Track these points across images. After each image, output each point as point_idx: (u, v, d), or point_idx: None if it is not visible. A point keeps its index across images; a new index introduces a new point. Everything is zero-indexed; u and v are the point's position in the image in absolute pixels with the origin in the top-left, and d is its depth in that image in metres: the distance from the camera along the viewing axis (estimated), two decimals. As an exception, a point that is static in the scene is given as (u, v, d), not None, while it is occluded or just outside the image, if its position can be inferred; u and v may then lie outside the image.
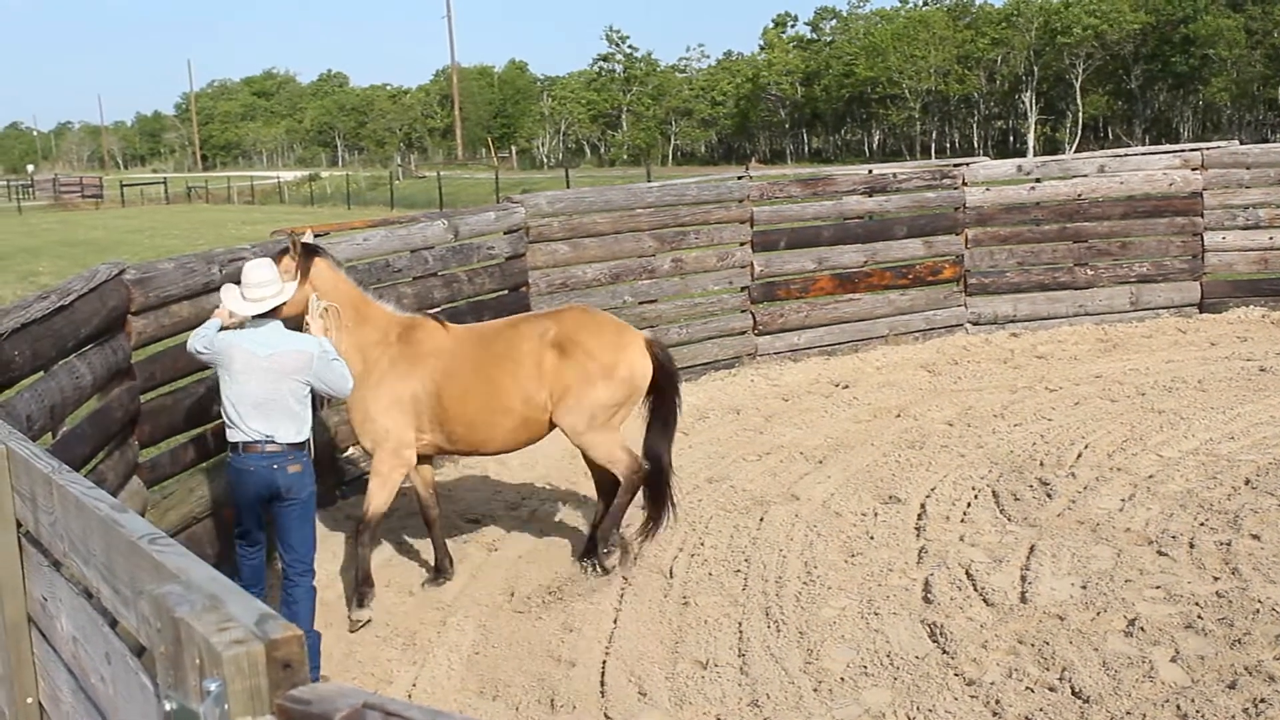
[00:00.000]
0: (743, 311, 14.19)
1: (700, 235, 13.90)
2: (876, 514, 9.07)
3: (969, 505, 9.14)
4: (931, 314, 15.12)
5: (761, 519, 9.12)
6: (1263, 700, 5.93)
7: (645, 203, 13.61)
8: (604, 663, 7.01)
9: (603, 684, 6.77)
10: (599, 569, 8.27)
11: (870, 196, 15.03)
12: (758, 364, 14.03)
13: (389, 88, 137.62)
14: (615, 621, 7.56)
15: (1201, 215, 15.70)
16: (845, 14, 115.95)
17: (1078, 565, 7.84)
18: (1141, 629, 6.84)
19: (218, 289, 7.68)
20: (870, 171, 15.84)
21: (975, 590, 7.56)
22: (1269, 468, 9.54)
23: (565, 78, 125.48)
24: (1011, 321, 15.37)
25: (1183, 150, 16.46)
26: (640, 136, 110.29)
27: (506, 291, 12.24)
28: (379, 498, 7.97)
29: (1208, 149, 16.25)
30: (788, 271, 14.51)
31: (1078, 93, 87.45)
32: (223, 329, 7.03)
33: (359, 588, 7.87)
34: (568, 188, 30.95)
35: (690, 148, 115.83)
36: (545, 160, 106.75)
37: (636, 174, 60.79)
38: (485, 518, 9.59)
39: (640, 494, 8.45)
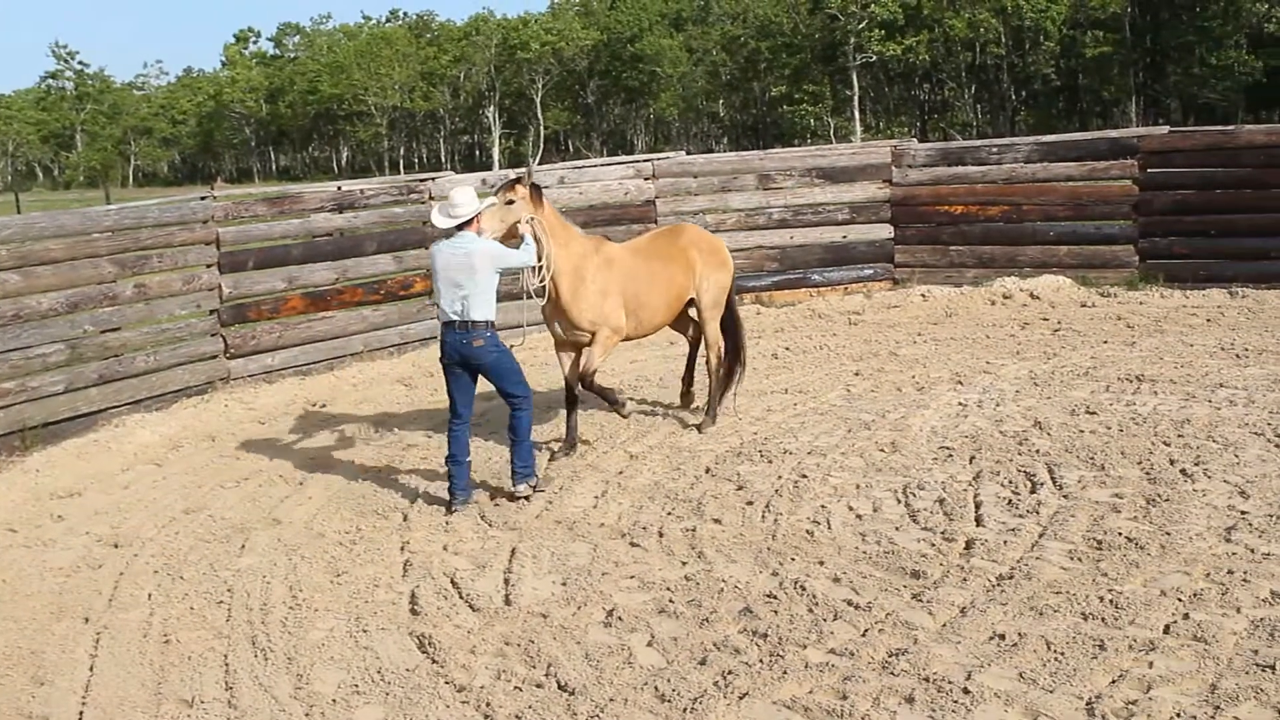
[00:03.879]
0: (213, 335, 13.75)
1: (165, 258, 13.37)
2: (360, 531, 9.04)
3: (451, 515, 9.26)
4: (405, 328, 15.22)
5: (243, 546, 8.89)
6: (730, 672, 6.35)
7: (103, 226, 12.95)
8: (81, 714, 6.62)
9: (79, 735, 6.40)
10: (704, 427, 11.18)
11: (340, 213, 14.96)
12: (231, 388, 13.65)
13: None
14: (91, 669, 7.15)
15: (656, 222, 16.59)
16: (308, 30, 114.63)
17: (557, 563, 8.11)
18: (619, 618, 7.16)
19: None
20: (339, 188, 15.73)
21: (461, 598, 7.67)
22: (726, 455, 10.23)
23: (11, 96, 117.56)
24: (485, 331, 15.67)
25: (636, 161, 17.37)
26: (97, 157, 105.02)
27: (-52, 327, 11.36)
28: (599, 359, 10.50)
29: (658, 159, 17.22)
30: (258, 292, 14.21)
31: (538, 107, 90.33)
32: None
33: (613, 401, 10.61)
34: (18, 213, 29.06)
35: (152, 168, 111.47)
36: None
37: (95, 196, 57.98)
38: (-63, 572, 8.84)
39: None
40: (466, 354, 9.24)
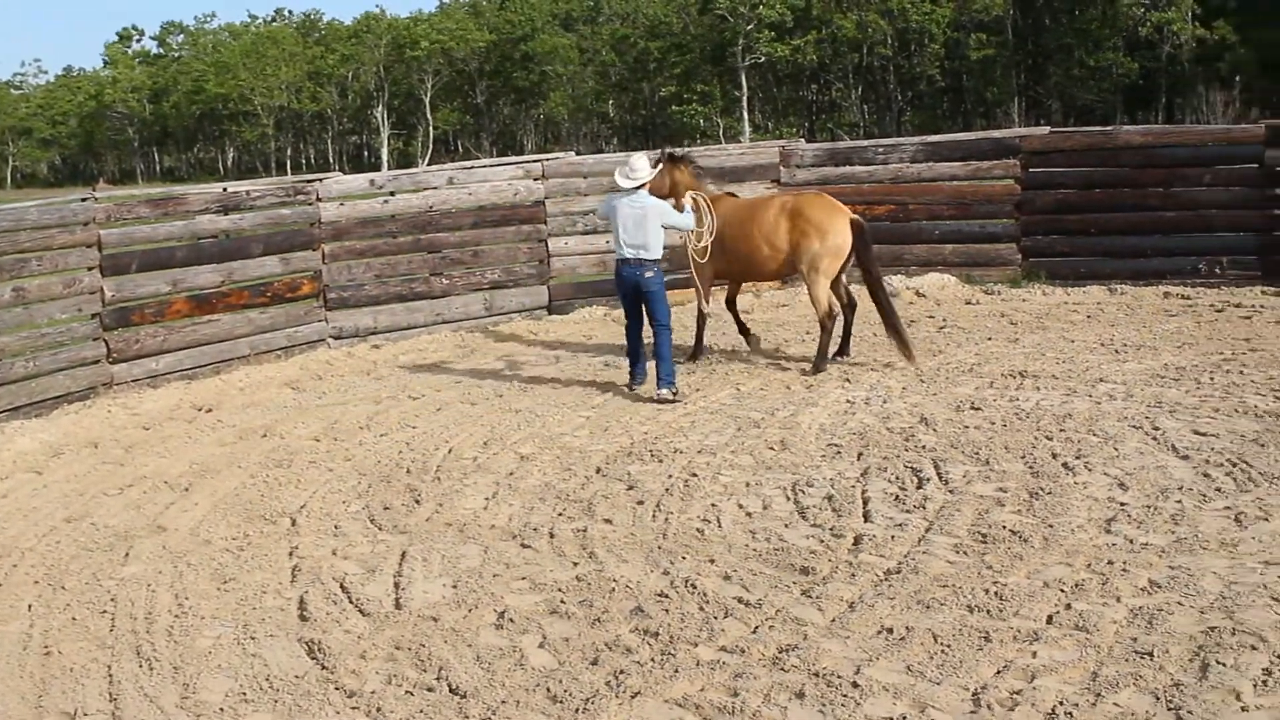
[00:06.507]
0: (95, 340, 13.49)
1: (44, 262, 13.09)
2: (248, 537, 8.92)
3: (340, 519, 9.18)
4: (293, 331, 15.06)
5: (127, 554, 8.73)
6: (622, 671, 6.36)
7: (-22, 229, 12.65)
8: (-43, 729, 6.48)
9: (-44, 752, 6.25)
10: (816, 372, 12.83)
11: (225, 215, 14.75)
12: (114, 393, 13.42)
13: None
14: (-32, 683, 6.99)
15: (545, 223, 16.63)
16: (193, 29, 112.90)
17: (448, 566, 8.07)
18: (511, 620, 7.14)
19: None
20: (225, 189, 15.51)
21: (351, 602, 7.60)
22: (616, 456, 10.24)
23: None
24: (373, 333, 15.59)
25: (526, 161, 17.32)
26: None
27: None
28: (706, 303, 13.71)
29: (548, 160, 17.19)
30: (142, 295, 13.97)
31: (428, 108, 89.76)
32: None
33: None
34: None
35: (31, 169, 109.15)
36: None
37: (-29, 199, 56.57)
38: None
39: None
40: (638, 283, 12.10)
